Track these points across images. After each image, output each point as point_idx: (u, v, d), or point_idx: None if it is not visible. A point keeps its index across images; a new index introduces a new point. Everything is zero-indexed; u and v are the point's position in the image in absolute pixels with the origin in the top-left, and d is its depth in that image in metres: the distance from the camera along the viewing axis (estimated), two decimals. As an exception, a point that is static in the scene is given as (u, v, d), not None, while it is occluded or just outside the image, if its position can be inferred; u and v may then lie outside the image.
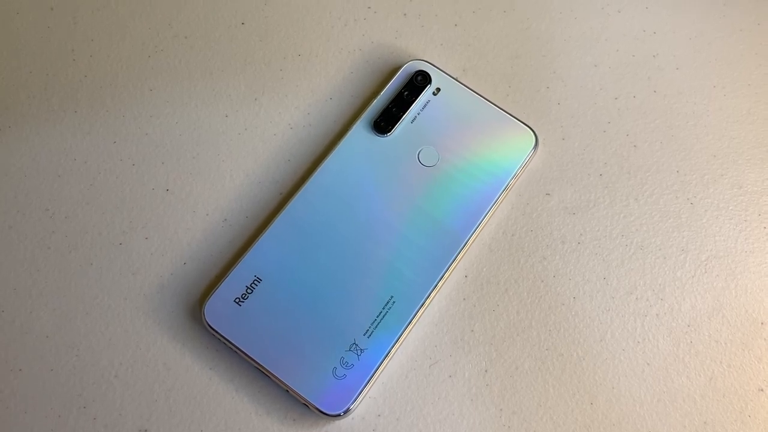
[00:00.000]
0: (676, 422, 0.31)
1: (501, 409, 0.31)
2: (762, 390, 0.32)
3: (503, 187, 0.34)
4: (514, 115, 0.35)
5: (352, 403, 0.29)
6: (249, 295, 0.31)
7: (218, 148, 0.35)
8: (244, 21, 0.37)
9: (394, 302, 0.31)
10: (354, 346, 0.30)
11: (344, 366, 0.30)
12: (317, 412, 0.29)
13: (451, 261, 0.32)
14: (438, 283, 0.32)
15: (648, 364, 0.32)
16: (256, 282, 0.31)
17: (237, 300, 0.31)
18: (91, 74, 0.36)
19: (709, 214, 0.35)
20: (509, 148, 0.34)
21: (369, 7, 0.38)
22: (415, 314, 0.31)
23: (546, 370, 0.32)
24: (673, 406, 0.31)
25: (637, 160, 0.36)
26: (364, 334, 0.31)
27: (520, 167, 0.34)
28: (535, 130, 0.35)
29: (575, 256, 0.34)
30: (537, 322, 0.32)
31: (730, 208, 0.35)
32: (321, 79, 0.36)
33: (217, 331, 0.30)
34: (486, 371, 0.31)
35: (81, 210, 0.33)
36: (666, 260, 0.34)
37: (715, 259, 0.34)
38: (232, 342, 0.30)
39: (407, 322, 0.31)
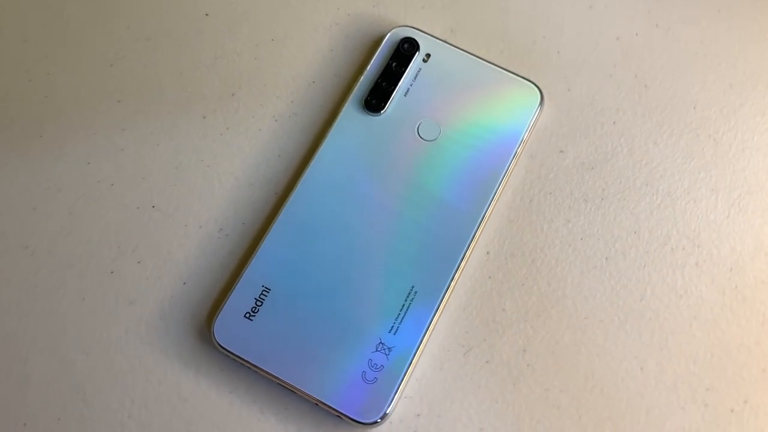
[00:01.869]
0: (733, 375, 0.29)
1: (547, 389, 0.29)
2: (819, 327, 0.30)
3: (514, 152, 0.31)
4: (513, 71, 0.33)
5: (388, 407, 0.27)
6: (259, 307, 0.28)
7: (201, 154, 0.32)
8: (208, 12, 0.34)
9: (416, 292, 0.29)
10: (381, 345, 0.28)
11: (373, 368, 0.28)
12: (352, 422, 0.27)
13: (469, 239, 0.30)
14: (459, 264, 0.29)
15: (695, 317, 0.30)
16: (264, 292, 0.29)
17: (247, 314, 0.28)
18: (52, 93, 0.33)
19: (735, 147, 0.32)
20: (514, 108, 0.32)
21: (340, -22, 0.35)
22: (441, 301, 0.29)
23: (588, 341, 0.29)
24: (728, 359, 0.29)
25: (650, 102, 0.33)
26: (390, 331, 0.28)
27: (528, 127, 0.31)
28: (538, 84, 0.32)
29: (601, 213, 0.31)
30: (571, 291, 0.30)
31: (755, 138, 0.33)
32: (300, 63, 0.33)
33: (230, 351, 0.28)
34: (524, 351, 0.29)
35: (63, 242, 0.30)
36: (697, 204, 0.31)
37: (748, 195, 0.32)
38: (249, 360, 0.28)
39: (433, 312, 0.29)
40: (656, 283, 0.30)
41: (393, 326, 0.28)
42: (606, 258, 0.31)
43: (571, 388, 0.29)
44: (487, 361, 0.29)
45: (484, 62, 0.32)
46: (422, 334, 0.28)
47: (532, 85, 0.32)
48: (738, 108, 0.33)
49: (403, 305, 0.29)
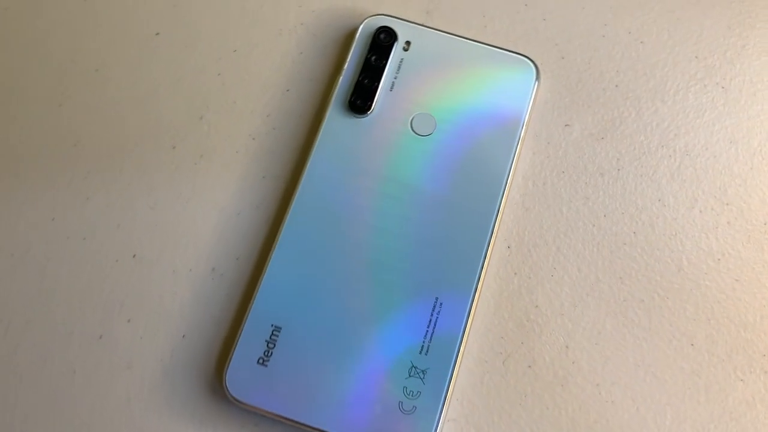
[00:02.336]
0: (788, 335, 0.27)
1: (598, 384, 0.26)
2: None
3: (518, 134, 0.28)
4: (501, 47, 0.30)
5: (433, 435, 0.25)
6: (272, 350, 0.25)
7: (177, 188, 0.29)
8: (159, 31, 0.31)
9: (441, 304, 0.26)
10: (413, 369, 0.25)
11: (410, 396, 0.25)
12: (397, 459, 0.24)
13: (488, 236, 0.27)
14: (482, 265, 0.27)
15: (737, 280, 0.28)
16: (275, 332, 0.26)
17: (260, 360, 0.25)
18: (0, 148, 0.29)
19: (745, 92, 0.30)
20: (510, 87, 0.29)
21: (296, -27, 0.32)
22: (469, 309, 0.26)
23: (631, 324, 0.27)
24: (780, 319, 0.27)
25: (649, 58, 0.31)
26: (420, 352, 0.26)
27: (528, 106, 0.29)
28: (530, 57, 0.30)
29: (620, 185, 0.29)
30: (604, 273, 0.28)
31: (765, 78, 0.31)
32: (270, 72, 0.30)
33: (248, 404, 0.25)
34: (567, 347, 0.27)
35: (40, 310, 0.27)
36: (717, 159, 0.29)
37: (768, 141, 0.30)
38: (272, 411, 0.25)
39: (464, 322, 0.26)
40: (691, 250, 0.28)
41: (423, 346, 0.26)
42: (634, 232, 0.28)
43: (622, 379, 0.26)
44: (530, 366, 0.26)
45: (469, 41, 0.30)
46: (456, 349, 0.26)
47: (525, 59, 0.30)
48: (741, 50, 0.31)
49: (430, 320, 0.26)
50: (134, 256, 0.28)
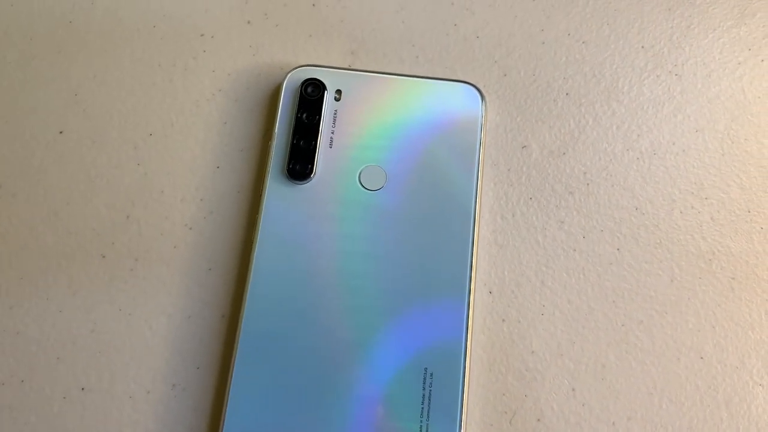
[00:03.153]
0: (798, 327, 0.25)
1: (613, 423, 0.24)
2: None
3: (476, 168, 0.26)
4: (438, 77, 0.28)
5: None
6: (257, 466, 0.23)
7: (116, 303, 0.25)
8: (62, 129, 0.28)
9: (431, 374, 0.24)
10: (416, 455, 0.23)
11: (418, 486, 0.22)
12: None
13: (466, 285, 0.25)
14: (466, 319, 0.24)
15: (733, 278, 0.26)
16: (256, 446, 0.23)
17: (246, 481, 0.23)
18: None
19: (700, 75, 0.29)
20: (457, 119, 0.27)
21: (202, 35, 0.29)
22: (463, 373, 0.24)
23: (635, 349, 0.25)
24: (786, 311, 0.26)
25: (595, 58, 0.29)
26: (420, 433, 0.23)
27: (480, 134, 0.27)
28: (471, 82, 0.27)
29: (593, 200, 0.27)
30: (595, 301, 0.26)
31: (716, 56, 0.29)
32: (193, 150, 0.27)
33: None
34: (573, 390, 0.25)
35: (-14, 473, 0.24)
36: (686, 152, 0.28)
37: (734, 123, 0.28)
38: None
39: (459, 389, 0.24)
40: (680, 256, 0.26)
41: (421, 425, 0.23)
42: (618, 249, 0.26)
43: (638, 411, 0.24)
44: (539, 419, 0.24)
45: (404, 77, 0.27)
46: (457, 421, 0.23)
47: (466, 85, 0.27)
48: (686, 31, 0.29)
49: (423, 396, 0.23)
50: (83, 389, 0.24)
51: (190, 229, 0.26)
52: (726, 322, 0.25)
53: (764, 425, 0.24)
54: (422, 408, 0.23)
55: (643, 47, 0.29)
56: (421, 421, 0.23)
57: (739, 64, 0.29)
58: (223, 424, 0.23)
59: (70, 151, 0.27)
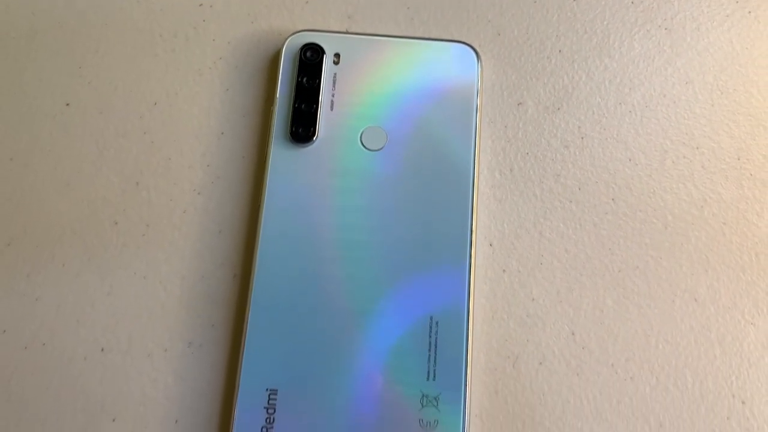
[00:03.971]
0: (787, 267, 0.26)
1: (612, 364, 0.25)
2: None
3: (473, 126, 0.27)
4: (434, 37, 0.28)
5: (461, 461, 0.23)
6: (273, 416, 0.24)
7: (130, 267, 0.26)
8: (68, 101, 0.28)
9: (437, 322, 0.25)
10: (425, 398, 0.24)
11: (428, 427, 0.24)
12: (430, 496, 0.23)
13: (468, 239, 0.26)
14: (468, 270, 0.25)
15: (724, 223, 0.27)
16: (272, 396, 0.24)
17: (264, 429, 0.24)
18: None
19: (689, 29, 0.29)
20: (454, 78, 0.28)
21: (201, 4, 0.30)
22: (467, 320, 0.25)
23: (631, 294, 0.26)
24: (775, 253, 0.27)
25: (586, 14, 0.30)
26: (428, 379, 0.24)
27: (476, 92, 0.27)
28: (466, 41, 0.28)
29: (588, 153, 0.28)
30: (592, 249, 0.27)
31: (704, 9, 0.30)
32: (198, 117, 0.28)
33: (263, 478, 0.23)
34: (573, 334, 0.26)
35: (14, 433, 0.25)
36: (677, 103, 0.28)
37: (723, 73, 0.29)
38: (289, 479, 0.23)
39: (464, 336, 0.25)
40: (672, 203, 0.27)
41: (429, 371, 0.24)
42: (613, 199, 0.27)
43: (635, 353, 0.25)
44: (540, 363, 0.25)
45: (400, 39, 0.28)
46: (463, 365, 0.24)
47: (462, 45, 0.28)
48: (674, -14, 0.30)
49: (429, 343, 0.24)
50: (102, 349, 0.25)
51: (199, 194, 0.27)
52: (718, 266, 0.26)
53: (756, 360, 0.25)
54: (429, 354, 0.24)
55: (633, 3, 0.30)
56: (428, 367, 0.24)
57: (727, 16, 0.30)
58: (240, 379, 0.24)
59: (78, 123, 0.28)
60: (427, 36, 0.28)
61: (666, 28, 0.29)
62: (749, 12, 0.30)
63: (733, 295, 0.26)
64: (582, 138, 0.28)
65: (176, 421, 0.25)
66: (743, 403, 0.25)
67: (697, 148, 0.28)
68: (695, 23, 0.29)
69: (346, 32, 0.28)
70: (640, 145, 0.28)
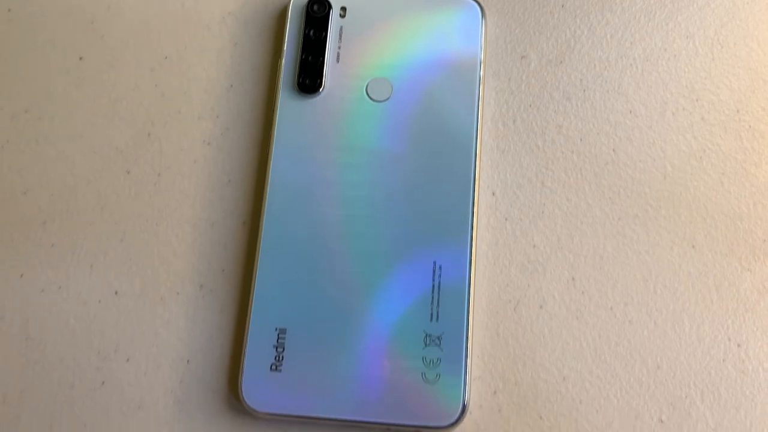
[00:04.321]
0: (783, 215, 0.27)
1: (611, 308, 0.26)
2: (843, 133, 0.28)
3: (478, 77, 0.27)
4: (439, -8, 0.29)
5: (464, 398, 0.24)
6: (282, 354, 0.25)
7: (144, 214, 0.27)
8: (81, 55, 0.29)
9: (440, 267, 0.25)
10: (428, 338, 0.25)
11: (431, 365, 0.24)
12: (434, 430, 0.24)
13: (471, 188, 0.26)
14: (471, 217, 0.26)
15: (723, 173, 0.28)
16: (281, 335, 0.25)
17: (273, 366, 0.25)
18: (-58, 215, 0.27)
19: (690, -16, 0.30)
20: (458, 32, 0.28)
21: (210, -39, 0.30)
22: (469, 265, 0.25)
23: (631, 241, 0.27)
24: (772, 201, 0.27)
25: (588, -30, 0.30)
26: (431, 320, 0.25)
27: (481, 45, 0.28)
28: (470, -4, 0.29)
29: (589, 105, 0.28)
30: (593, 198, 0.27)
31: (706, -34, 0.30)
32: (208, 71, 0.29)
33: (271, 413, 0.24)
34: (573, 279, 0.26)
35: (32, 374, 0.26)
36: (677, 57, 0.29)
37: (723, 28, 0.29)
38: (297, 414, 0.24)
39: (467, 280, 0.25)
40: (672, 154, 0.28)
41: (432, 313, 0.25)
42: (613, 150, 0.28)
43: (634, 297, 0.26)
44: (541, 306, 0.26)
45: (405, -7, 0.29)
46: (465, 308, 0.25)
47: (467, 0, 0.28)
48: (677, -58, 0.30)
49: (433, 286, 0.25)
50: (116, 293, 0.26)
51: (209, 144, 0.28)
52: (716, 214, 0.27)
53: (752, 305, 0.26)
54: (432, 297, 0.25)
55: (635, -41, 0.30)
56: (431, 309, 0.25)
57: (729, -29, 0.30)
58: (250, 319, 0.25)
59: (91, 76, 0.29)
60: (431, -9, 0.29)
61: (668, -16, 0.30)
62: (750, -32, 0.30)
63: (730, 243, 0.27)
64: (584, 90, 0.28)
65: (188, 361, 0.26)
66: (738, 346, 0.26)
67: (697, 100, 0.28)
68: (697, -21, 0.30)
69: (352, -13, 0.29)
70: (640, 97, 0.28)
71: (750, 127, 0.28)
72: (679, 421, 0.25)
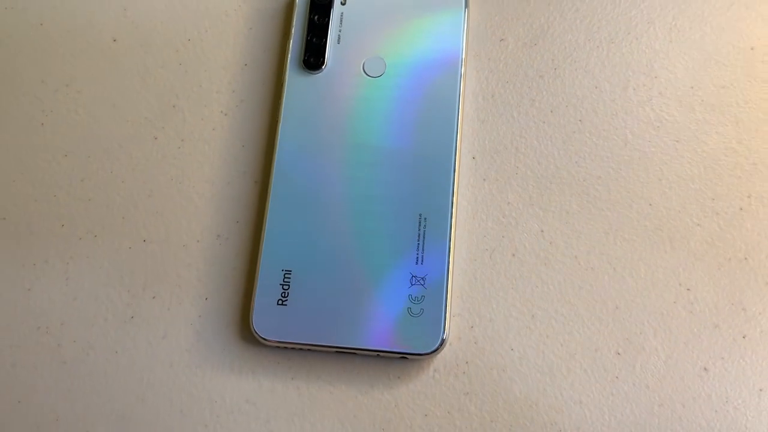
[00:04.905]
0: (729, 177, 0.31)
1: (576, 257, 0.30)
2: (785, 106, 0.32)
3: (460, 57, 0.31)
4: (428, -17, 0.33)
5: (443, 330, 0.28)
6: (287, 290, 0.29)
7: (168, 174, 0.31)
8: (115, 37, 0.33)
9: (425, 219, 0.29)
10: (414, 278, 0.29)
11: (416, 301, 0.28)
12: (416, 356, 0.28)
13: (453, 151, 0.30)
14: (453, 178, 0.30)
15: (677, 140, 0.31)
16: (287, 275, 0.29)
17: (279, 301, 0.28)
18: (-5, 174, 0.31)
19: (652, -24, 0.34)
20: (444, 17, 0.32)
21: (228, -43, 0.34)
22: (450, 217, 0.29)
23: (594, 199, 0.30)
24: (719, 165, 0.31)
25: (562, -36, 0.34)
26: (417, 263, 0.29)
27: (463, 30, 0.32)
28: (456, -14, 0.33)
29: (559, 82, 0.32)
30: (561, 161, 0.31)
31: (667, -39, 0.34)
32: (225, 51, 0.33)
33: (278, 341, 0.28)
34: (542, 231, 0.30)
35: (70, 309, 0.30)
36: (639, 40, 0.33)
37: (681, 15, 0.33)
38: (299, 342, 0.28)
39: (448, 230, 0.29)
40: (632, 124, 0.31)
41: (417, 257, 0.29)
42: (580, 120, 0.32)
43: (596, 247, 0.30)
44: (513, 254, 0.30)
45: (399, -16, 0.33)
46: (446, 254, 0.29)
47: (451, -11, 0.32)
48: (641, -60, 0.34)
49: (419, 234, 0.29)
50: (144, 240, 0.30)
51: (225, 114, 0.32)
52: (671, 176, 0.31)
53: (701, 255, 0.30)
54: (418, 243, 0.29)
55: (603, -46, 0.34)
56: (417, 253, 0.29)
57: (687, -35, 0.34)
58: (260, 261, 0.29)
59: (123, 55, 0.33)
60: (421, -18, 0.33)
61: (632, -24, 0.34)
62: (706, -38, 0.34)
63: (683, 201, 0.30)
64: (555, 69, 0.32)
65: (206, 299, 0.30)
66: (688, 290, 0.29)
67: (656, 77, 0.32)
68: (658, -28, 0.34)
69: (352, -21, 0.33)
70: (605, 74, 0.32)
71: (702, 101, 0.32)
72: (634, 353, 0.29)
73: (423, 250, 0.29)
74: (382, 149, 0.30)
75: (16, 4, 0.34)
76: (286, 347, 0.28)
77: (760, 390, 0.28)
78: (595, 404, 0.28)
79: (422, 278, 0.29)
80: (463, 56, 0.31)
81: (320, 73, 0.31)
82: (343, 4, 0.32)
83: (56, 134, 0.32)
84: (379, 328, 0.28)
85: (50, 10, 0.34)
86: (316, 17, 0.32)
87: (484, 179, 0.31)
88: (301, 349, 0.28)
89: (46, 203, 0.31)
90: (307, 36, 0.32)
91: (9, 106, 0.32)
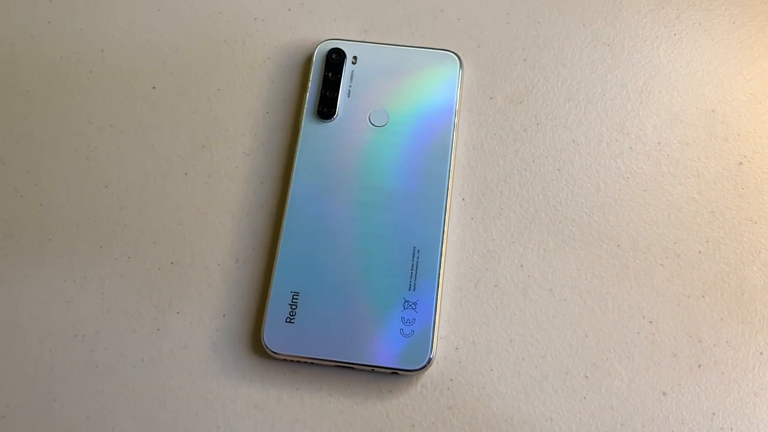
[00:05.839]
0: (690, 223, 0.35)
1: (550, 289, 0.34)
2: (740, 163, 0.36)
3: (454, 111, 0.36)
4: (429, 47, 0.38)
5: (431, 350, 0.32)
6: (295, 310, 0.33)
7: (196, 204, 0.36)
8: (155, 85, 0.38)
9: (418, 251, 0.33)
10: (406, 303, 0.32)
11: (408, 323, 0.32)
12: (407, 372, 0.32)
13: (445, 193, 0.34)
14: (444, 216, 0.34)
15: (645, 190, 0.35)
16: (295, 297, 0.33)
17: (287, 320, 0.32)
18: (46, 202, 0.36)
19: (627, 46, 0.38)
20: (442, 77, 0.37)
21: (255, 19, 0.39)
22: (441, 251, 0.33)
23: (568, 239, 0.34)
24: (682, 213, 0.35)
25: (546, 33, 0.39)
26: (409, 289, 0.33)
27: (458, 88, 0.36)
28: (453, 51, 0.37)
29: (541, 135, 0.36)
30: (540, 205, 0.35)
31: (640, 32, 0.39)
32: (250, 101, 0.38)
33: (286, 355, 0.32)
34: (522, 266, 0.34)
35: (105, 319, 0.34)
36: (613, 101, 0.37)
37: (651, 80, 0.37)
38: (304, 356, 0.32)
39: (438, 261, 0.33)
40: (605, 174, 0.36)
41: (410, 284, 0.33)
42: (558, 169, 0.36)
43: (569, 282, 0.34)
44: (496, 285, 0.34)
45: (403, 47, 0.37)
46: (436, 283, 0.33)
47: (449, 53, 0.37)
48: (618, 13, 0.39)
49: (412, 264, 0.33)
50: (172, 263, 0.35)
51: (248, 155, 0.37)
52: (638, 221, 0.35)
53: (663, 291, 0.33)
54: (411, 273, 0.33)
55: (584, 25, 0.39)
56: (410, 281, 0.33)
57: (657, 37, 0.38)
58: (272, 284, 0.33)
59: (160, 101, 0.38)
60: (423, 45, 0.38)
61: (608, 45, 0.38)
62: (674, 34, 0.38)
63: (648, 244, 0.34)
64: (537, 124, 0.37)
65: (223, 315, 0.34)
66: (651, 322, 0.33)
67: (627, 134, 0.36)
68: (632, 42, 0.38)
69: (363, 41, 0.38)
70: (582, 130, 0.36)
71: (668, 156, 0.36)
72: (600, 377, 0.32)
73: (415, 278, 0.33)
74: (384, 189, 0.34)
75: (71, 55, 0.39)
76: (292, 360, 0.32)
77: (713, 414, 0.31)
78: (565, 421, 0.32)
79: (414, 303, 0.32)
80: (457, 110, 0.36)
81: (332, 122, 0.36)
82: (354, 63, 0.37)
83: (99, 168, 0.37)
84: (374, 346, 0.32)
85: (99, 60, 0.39)
86: (329, 74, 0.37)
87: (472, 218, 0.35)
88: (305, 362, 0.32)
89: (87, 227, 0.36)
90: (322, 90, 0.37)
91: (60, 141, 0.37)
